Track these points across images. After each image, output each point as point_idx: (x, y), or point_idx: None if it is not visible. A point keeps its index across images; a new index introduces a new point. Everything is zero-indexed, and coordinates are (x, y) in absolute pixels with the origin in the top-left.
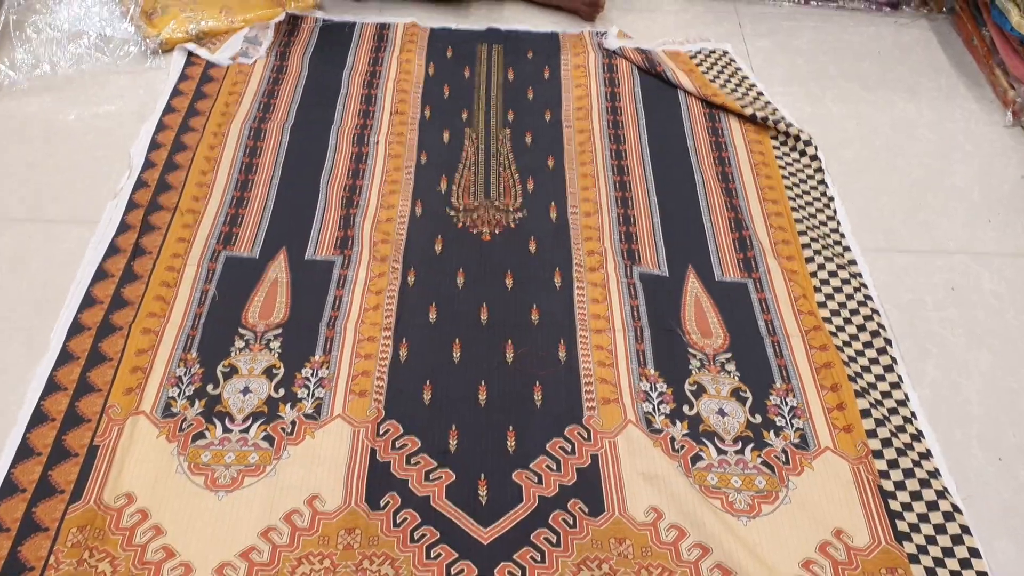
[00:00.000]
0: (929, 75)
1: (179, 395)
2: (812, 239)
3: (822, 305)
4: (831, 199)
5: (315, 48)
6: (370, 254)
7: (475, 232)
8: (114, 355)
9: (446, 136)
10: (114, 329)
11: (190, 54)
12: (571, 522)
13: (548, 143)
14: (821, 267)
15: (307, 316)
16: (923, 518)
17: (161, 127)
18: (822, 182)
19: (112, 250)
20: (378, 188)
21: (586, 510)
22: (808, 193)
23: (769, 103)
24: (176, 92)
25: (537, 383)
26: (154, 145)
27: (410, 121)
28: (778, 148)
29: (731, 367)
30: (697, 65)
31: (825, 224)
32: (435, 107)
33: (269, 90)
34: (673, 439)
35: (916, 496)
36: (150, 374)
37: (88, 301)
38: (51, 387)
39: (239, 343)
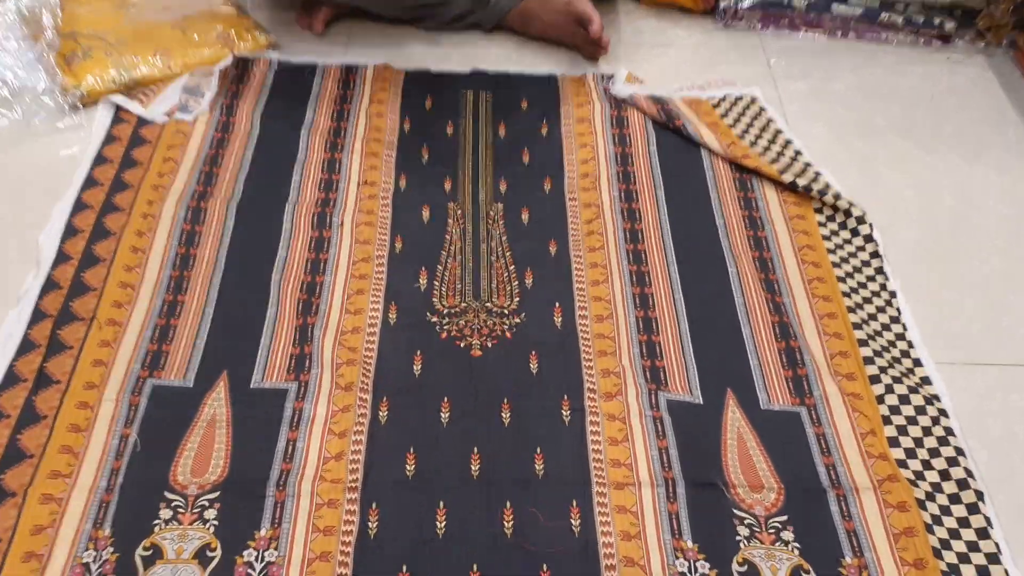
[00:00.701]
0: (993, 125)
1: None
2: (875, 351)
3: (894, 442)
4: (893, 295)
5: (269, 99)
6: (332, 380)
7: (463, 345)
8: (2, 534)
9: (425, 214)
10: (5, 496)
11: (118, 109)
12: None
13: (549, 222)
14: (889, 389)
15: (251, 471)
16: None
17: (80, 207)
18: (880, 271)
19: (9, 379)
20: (342, 287)
21: None
22: (865, 286)
23: (810, 165)
24: (100, 159)
25: (545, 566)
26: (70, 231)
27: (382, 194)
28: (824, 225)
29: (788, 534)
30: (722, 117)
31: (888, 329)
32: (412, 175)
33: (212, 156)
34: None
35: None
36: (48, 562)
37: None
38: None
39: (165, 512)
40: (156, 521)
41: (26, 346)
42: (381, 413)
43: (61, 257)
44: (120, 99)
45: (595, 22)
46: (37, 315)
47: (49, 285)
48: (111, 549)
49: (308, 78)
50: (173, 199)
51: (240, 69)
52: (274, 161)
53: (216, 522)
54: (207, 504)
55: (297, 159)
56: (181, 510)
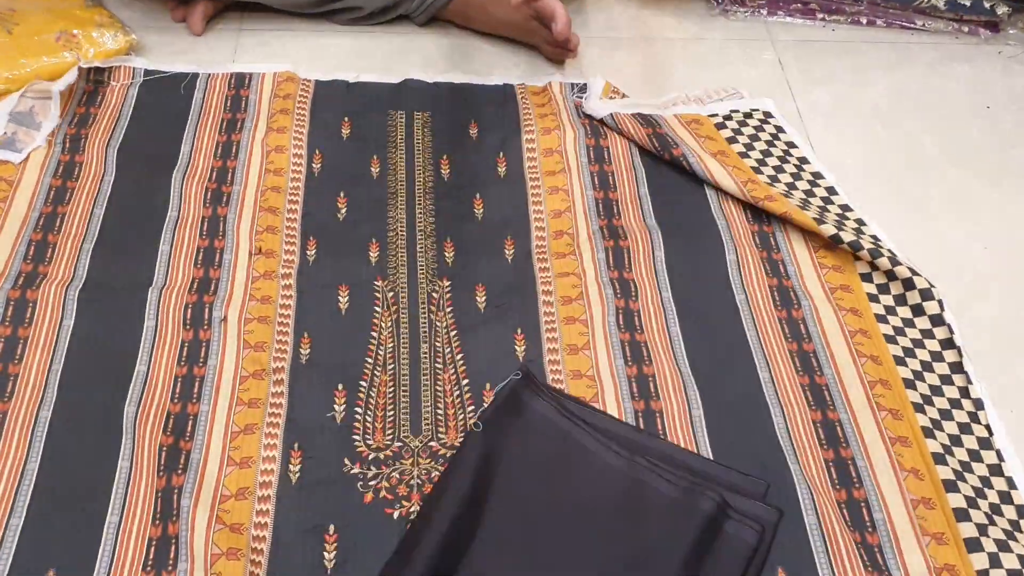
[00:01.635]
0: None
1: None
2: (968, 498)
3: None
4: (979, 404)
5: (129, 128)
6: None
7: (395, 514)
8: None
9: (343, 299)
10: None
11: None
12: None
13: (515, 307)
14: (995, 560)
15: None
16: None
17: None
18: (959, 368)
19: None
20: (225, 421)
21: None
22: (940, 392)
23: (850, 209)
24: None
25: None
26: None
27: (283, 270)
28: (876, 299)
29: None
30: (730, 142)
31: (979, 459)
32: (325, 240)
33: (47, 216)
34: None
35: None
36: None
37: None
38: None
39: None
40: None
41: None
42: None
43: None
44: None
45: (560, 18)
46: None
47: None
48: None
49: (184, 95)
50: None
51: (91, 84)
52: (134, 223)
53: None
54: None
55: (167, 219)
56: None
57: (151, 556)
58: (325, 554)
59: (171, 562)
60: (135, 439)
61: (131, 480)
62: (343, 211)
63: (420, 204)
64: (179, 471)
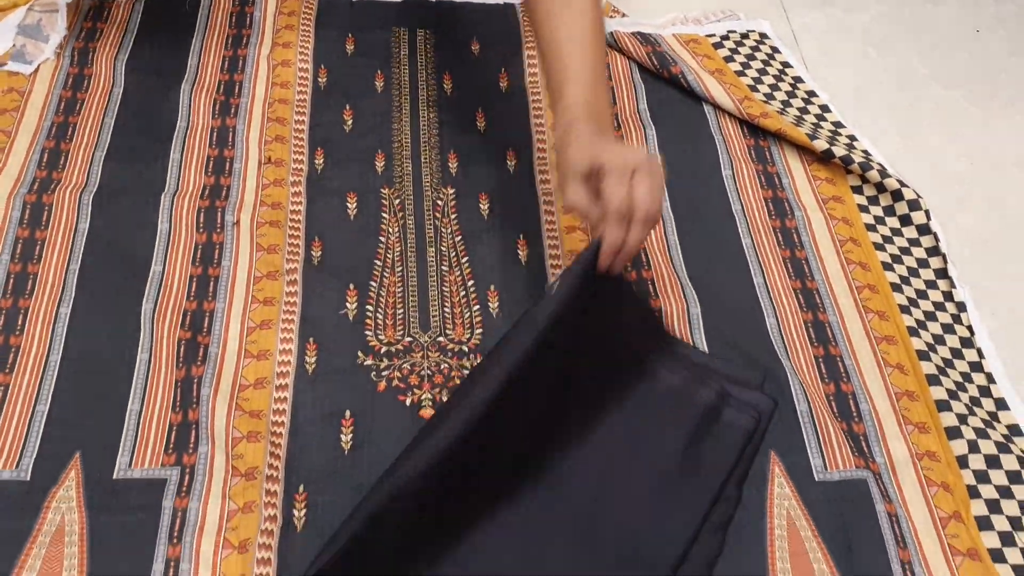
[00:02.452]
0: None
1: None
2: (950, 390)
3: (985, 524)
4: (961, 307)
5: (136, 41)
6: (228, 463)
7: (408, 401)
8: None
9: (351, 205)
10: None
11: None
12: None
13: (517, 214)
14: (973, 447)
15: None
16: None
17: None
18: (943, 274)
19: None
20: (240, 318)
21: None
22: (925, 295)
23: (842, 126)
24: None
25: None
26: None
27: (292, 178)
28: (866, 210)
29: None
30: (727, 61)
31: (960, 355)
32: (331, 149)
33: (59, 125)
34: None
35: None
36: None
37: None
38: None
39: None
40: None
41: None
42: (297, 513)
43: None
44: None
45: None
46: None
47: None
48: None
49: (190, 11)
50: (4, 191)
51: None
52: (145, 132)
53: None
54: None
55: (177, 128)
56: None
57: (172, 440)
58: (342, 437)
59: (191, 445)
60: (153, 334)
61: (151, 371)
62: (349, 123)
63: (424, 117)
64: (198, 363)
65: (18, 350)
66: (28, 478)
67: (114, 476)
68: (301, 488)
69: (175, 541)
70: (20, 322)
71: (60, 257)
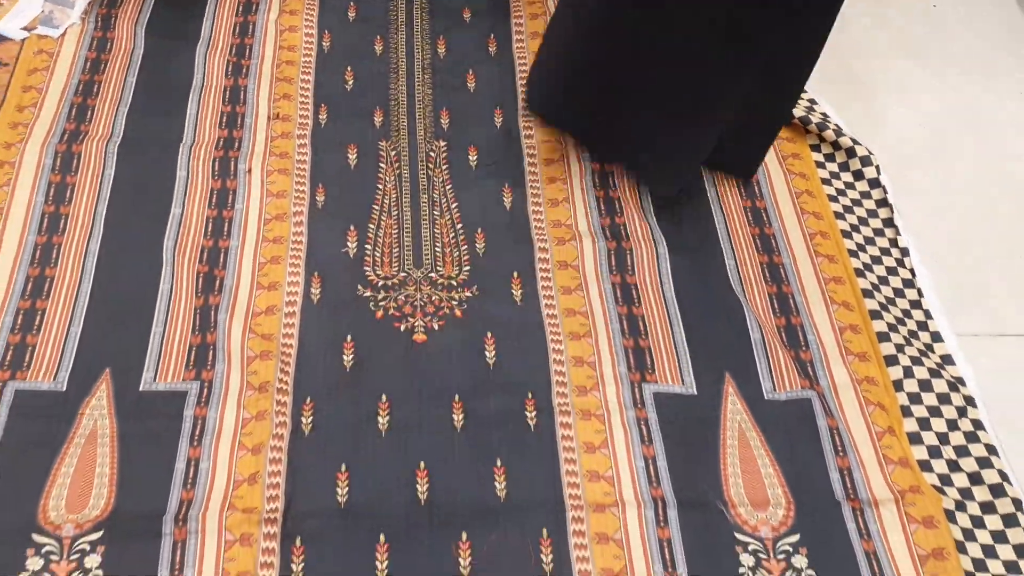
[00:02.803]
0: (1007, 44)
1: None
2: (890, 324)
3: (916, 439)
4: (904, 252)
5: (154, 9)
6: (242, 378)
7: (403, 327)
8: None
9: (352, 156)
10: None
11: None
12: None
13: (502, 165)
14: (908, 373)
15: (144, 502)
16: None
17: None
18: (890, 222)
19: None
20: (253, 254)
21: None
22: (873, 242)
23: (804, 91)
24: None
25: None
26: None
27: (298, 131)
28: (823, 166)
29: (800, 560)
30: None
31: (902, 295)
32: (334, 107)
33: (86, 83)
34: None
35: None
36: None
37: None
38: None
39: (34, 561)
40: (22, 574)
41: None
42: (304, 420)
43: None
44: None
45: None
46: None
47: None
48: None
49: None
50: (37, 141)
51: None
52: (163, 91)
53: (100, 572)
54: (88, 548)
55: (193, 87)
56: (55, 557)
57: (192, 358)
58: (344, 358)
59: (210, 363)
60: (174, 267)
61: (172, 299)
62: (350, 83)
63: (419, 78)
64: (215, 293)
65: (52, 280)
66: (64, 389)
67: (140, 389)
68: (308, 399)
69: (195, 444)
70: (54, 256)
71: (89, 200)
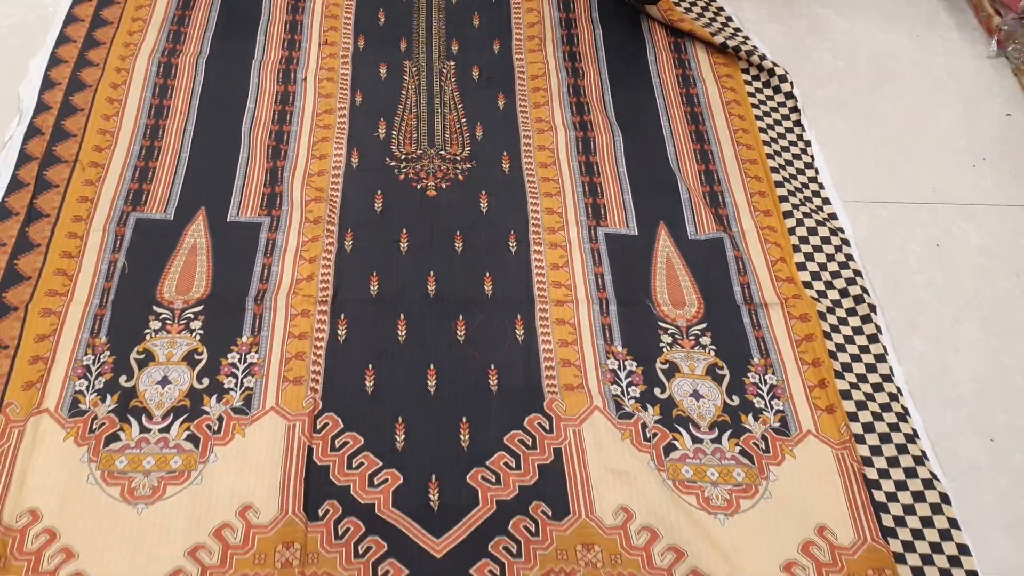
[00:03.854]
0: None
1: (88, 388)
2: (790, 191)
3: (801, 267)
4: (808, 144)
5: None
6: (301, 215)
7: (419, 186)
8: (10, 342)
9: (383, 71)
10: (8, 310)
11: None
12: (533, 529)
13: (498, 79)
14: (800, 223)
15: (231, 289)
16: (909, 510)
17: (55, 61)
18: (798, 123)
19: (2, 212)
20: (308, 135)
21: (549, 513)
22: (784, 136)
23: (739, 31)
24: (71, 18)
25: (492, 366)
26: (47, 83)
27: (341, 53)
28: (750, 83)
29: (706, 340)
30: None
31: (803, 173)
32: (369, 36)
33: (179, 16)
34: (645, 425)
35: (902, 486)
36: (53, 364)
37: None
38: None
39: (154, 324)
40: (147, 330)
41: (15, 185)
42: (347, 243)
43: (41, 106)
44: None
45: None
46: (23, 157)
47: (32, 131)
48: (108, 353)
49: None
50: (144, 55)
51: None
52: (238, 21)
53: (201, 331)
54: (192, 317)
55: (260, 20)
56: (169, 322)
57: (264, 202)
58: (376, 204)
59: (278, 205)
60: (250, 141)
61: (249, 163)
62: (382, 20)
63: (435, 20)
64: (281, 159)
65: (159, 150)
66: (172, 219)
67: (228, 219)
68: (349, 230)
69: (268, 255)
70: (160, 133)
71: (184, 96)
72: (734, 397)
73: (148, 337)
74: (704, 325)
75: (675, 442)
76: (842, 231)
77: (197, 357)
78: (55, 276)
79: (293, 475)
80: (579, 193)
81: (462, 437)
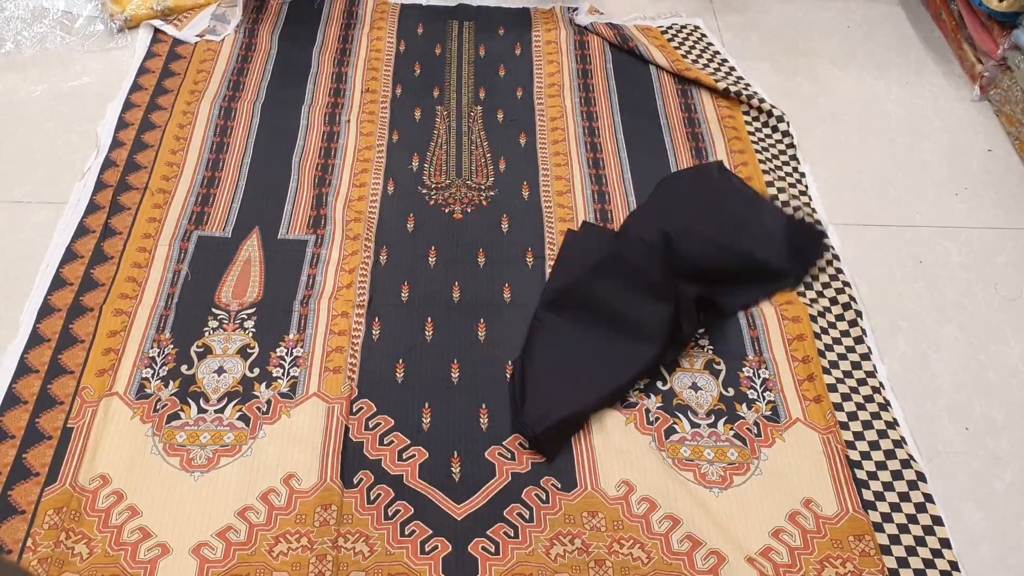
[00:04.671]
0: (898, 51)
1: (153, 376)
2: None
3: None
4: (803, 175)
5: (284, 25)
6: (343, 233)
7: (447, 211)
8: (85, 336)
9: (417, 114)
10: (85, 310)
11: (156, 31)
12: (544, 497)
13: (521, 121)
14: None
15: (281, 295)
16: (888, 486)
17: (128, 106)
18: (794, 157)
19: (81, 231)
20: (350, 167)
21: (558, 485)
22: (781, 168)
23: (741, 78)
24: (143, 70)
25: (510, 362)
26: (122, 124)
27: (381, 99)
28: (750, 123)
29: (704, 341)
30: (669, 40)
31: (798, 198)
32: (406, 85)
33: (238, 68)
34: (648, 411)
35: (882, 465)
36: (123, 355)
37: (58, 283)
38: (22, 370)
39: (213, 323)
40: (206, 328)
41: (92, 208)
42: (382, 257)
43: (116, 143)
44: (158, 23)
45: None
46: (99, 185)
47: (107, 163)
48: (171, 347)
49: (317, 10)
50: (207, 100)
51: (259, 1)
52: (291, 72)
53: (254, 329)
54: (246, 317)
55: (310, 71)
56: (225, 322)
57: (311, 222)
58: (408, 226)
59: (322, 225)
60: (299, 172)
61: (297, 189)
62: (418, 71)
63: (465, 71)
64: (325, 186)
65: (220, 179)
66: (229, 236)
67: (278, 237)
68: (384, 247)
69: (313, 267)
70: (220, 166)
71: (242, 135)
72: (729, 389)
73: (207, 334)
74: (703, 328)
75: (675, 426)
76: (833, 248)
77: (249, 351)
78: (126, 283)
79: (332, 449)
80: (592, 218)
81: (482, 421)
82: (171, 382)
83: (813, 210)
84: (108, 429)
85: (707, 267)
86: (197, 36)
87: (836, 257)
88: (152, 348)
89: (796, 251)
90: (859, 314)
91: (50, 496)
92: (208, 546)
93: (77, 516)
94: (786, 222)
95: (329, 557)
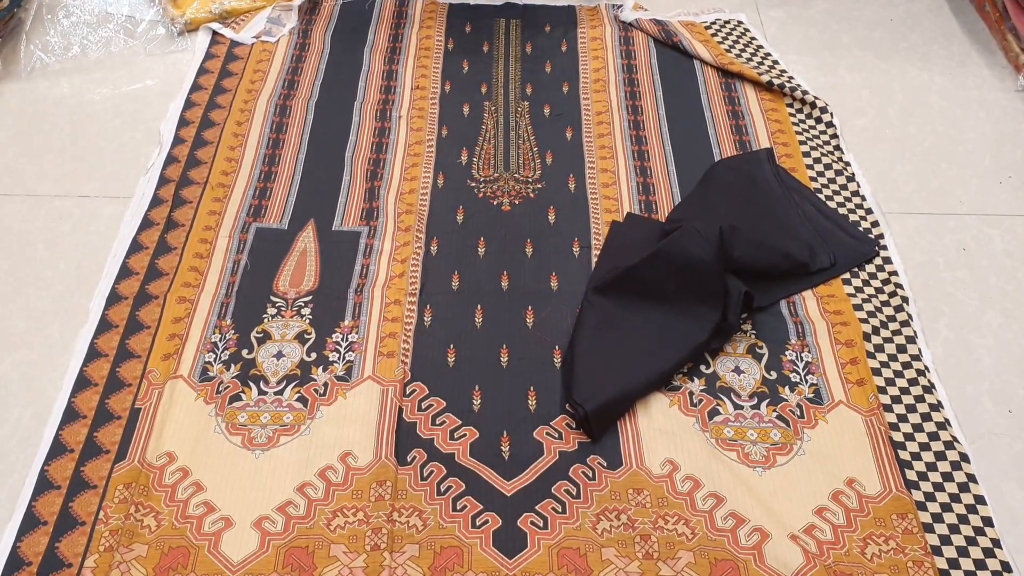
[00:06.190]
0: (941, 43)
1: (215, 360)
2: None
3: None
4: (847, 164)
5: (336, 26)
6: (394, 224)
7: (495, 203)
8: (151, 323)
9: (466, 110)
10: (150, 298)
11: (214, 34)
12: (590, 475)
13: (567, 116)
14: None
15: (336, 284)
16: (932, 467)
17: (189, 104)
18: (838, 147)
19: (146, 223)
20: (401, 161)
21: (604, 464)
22: (825, 157)
23: (784, 71)
24: (202, 71)
25: (556, 347)
26: (183, 122)
27: (430, 96)
28: (794, 115)
29: (747, 325)
30: (712, 35)
31: (845, 188)
32: (455, 82)
33: (293, 67)
34: (691, 393)
35: (925, 447)
36: (186, 340)
37: (124, 272)
38: (92, 354)
39: (271, 310)
40: (265, 315)
41: (156, 201)
42: (432, 247)
43: (177, 140)
44: (216, 26)
45: None
46: (162, 180)
47: (170, 159)
48: (232, 332)
49: (368, 10)
50: (264, 98)
51: (312, 3)
52: (343, 71)
53: (310, 316)
54: (303, 305)
55: (362, 70)
56: (284, 309)
57: (364, 215)
58: (458, 218)
59: (375, 217)
60: (352, 166)
61: (351, 183)
62: (466, 68)
63: (512, 68)
64: (377, 180)
65: (276, 173)
66: (286, 228)
67: (333, 228)
68: (434, 237)
69: (366, 257)
70: (277, 161)
71: (297, 132)
72: (772, 372)
73: (266, 320)
74: (745, 315)
75: (718, 407)
76: (883, 236)
77: (307, 336)
78: (189, 272)
79: (386, 429)
80: (636, 209)
81: (530, 402)
82: (232, 365)
83: (863, 198)
84: (173, 410)
85: (754, 267)
86: (253, 38)
87: (884, 246)
88: (214, 334)
89: (844, 253)
90: (905, 300)
91: (120, 472)
92: (269, 520)
93: (145, 491)
94: (834, 223)
95: (384, 530)
